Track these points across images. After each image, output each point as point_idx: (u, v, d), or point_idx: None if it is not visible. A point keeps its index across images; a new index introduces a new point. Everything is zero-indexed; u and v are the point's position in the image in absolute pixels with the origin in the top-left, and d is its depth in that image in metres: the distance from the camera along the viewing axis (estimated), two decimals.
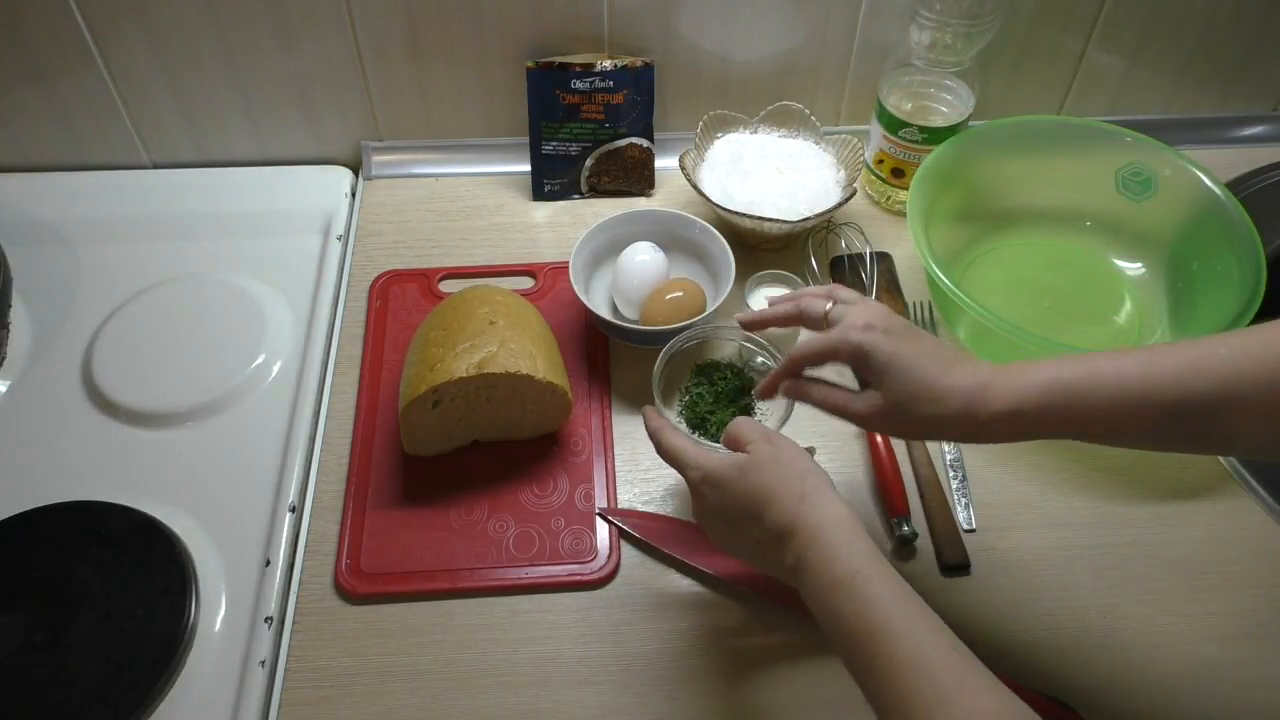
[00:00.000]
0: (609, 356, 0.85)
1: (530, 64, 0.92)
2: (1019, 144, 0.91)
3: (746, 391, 0.77)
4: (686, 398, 0.78)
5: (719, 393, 0.77)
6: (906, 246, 0.90)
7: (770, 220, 0.86)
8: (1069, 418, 0.56)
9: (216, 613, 0.70)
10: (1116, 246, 0.92)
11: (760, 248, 0.92)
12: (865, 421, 0.61)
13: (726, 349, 0.80)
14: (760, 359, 0.78)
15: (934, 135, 0.89)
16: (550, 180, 0.98)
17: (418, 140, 1.01)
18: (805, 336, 0.63)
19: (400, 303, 0.89)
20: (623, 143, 0.96)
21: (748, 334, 0.78)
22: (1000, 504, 0.76)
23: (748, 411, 0.76)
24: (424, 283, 0.91)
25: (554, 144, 0.96)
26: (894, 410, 0.58)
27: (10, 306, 0.85)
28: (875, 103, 0.93)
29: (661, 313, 0.81)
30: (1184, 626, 0.70)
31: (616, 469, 0.78)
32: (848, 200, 0.88)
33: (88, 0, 0.87)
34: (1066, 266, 0.93)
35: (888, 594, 0.52)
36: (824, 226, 0.92)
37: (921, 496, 0.76)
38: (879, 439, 0.78)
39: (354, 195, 1.00)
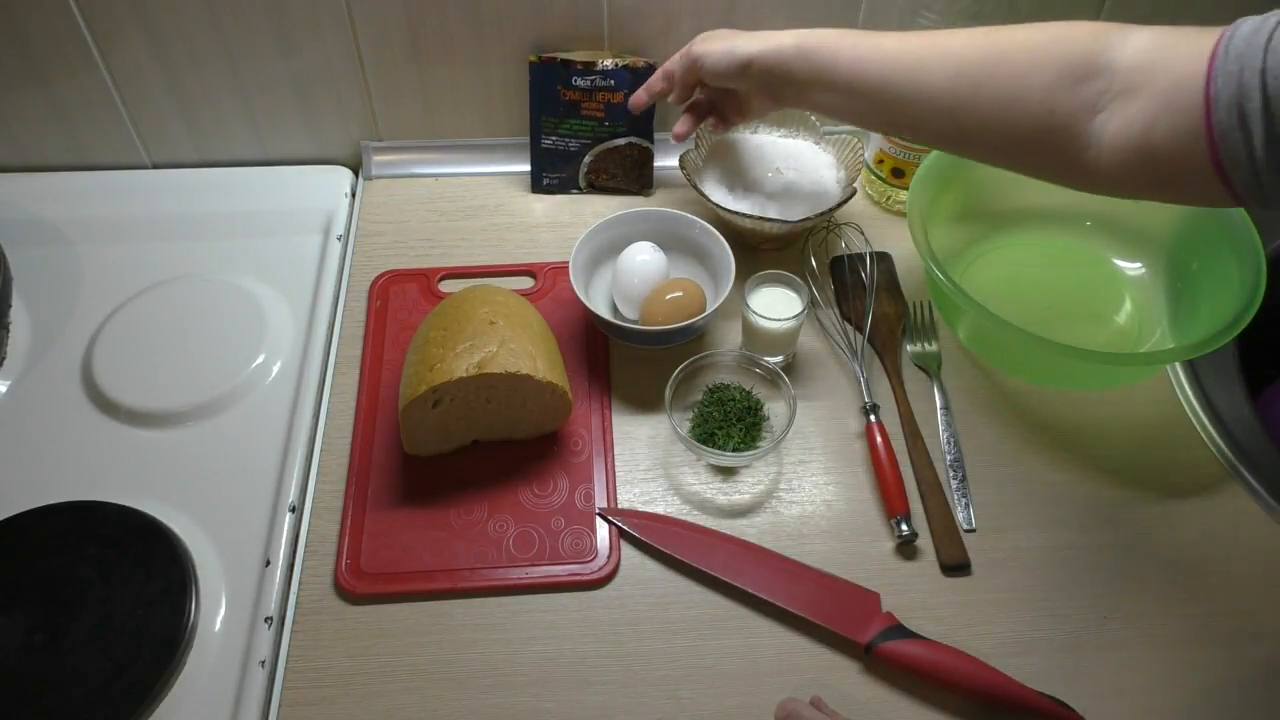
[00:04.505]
0: (609, 356, 0.85)
1: (533, 58, 0.92)
2: None
3: (754, 411, 0.79)
4: (696, 414, 0.80)
5: (728, 412, 0.78)
6: (906, 246, 0.90)
7: (770, 220, 0.86)
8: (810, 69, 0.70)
9: (216, 613, 0.70)
10: (1116, 246, 0.92)
11: (760, 248, 0.92)
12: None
13: (733, 373, 0.82)
14: (759, 370, 0.80)
15: None
16: (549, 174, 0.98)
17: (418, 140, 1.01)
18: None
19: (400, 303, 0.89)
20: (622, 141, 0.96)
21: (751, 354, 0.81)
22: (1000, 504, 0.76)
23: (754, 430, 0.78)
24: (424, 283, 0.91)
25: (553, 139, 0.96)
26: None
27: (10, 306, 0.85)
28: None
29: (661, 313, 0.81)
30: (1184, 626, 0.70)
31: (616, 469, 0.78)
32: (848, 200, 0.88)
33: (88, 0, 0.87)
34: (1066, 266, 0.93)
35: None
36: (824, 226, 0.92)
37: (921, 496, 0.76)
38: (879, 439, 0.78)
39: (354, 195, 1.00)
